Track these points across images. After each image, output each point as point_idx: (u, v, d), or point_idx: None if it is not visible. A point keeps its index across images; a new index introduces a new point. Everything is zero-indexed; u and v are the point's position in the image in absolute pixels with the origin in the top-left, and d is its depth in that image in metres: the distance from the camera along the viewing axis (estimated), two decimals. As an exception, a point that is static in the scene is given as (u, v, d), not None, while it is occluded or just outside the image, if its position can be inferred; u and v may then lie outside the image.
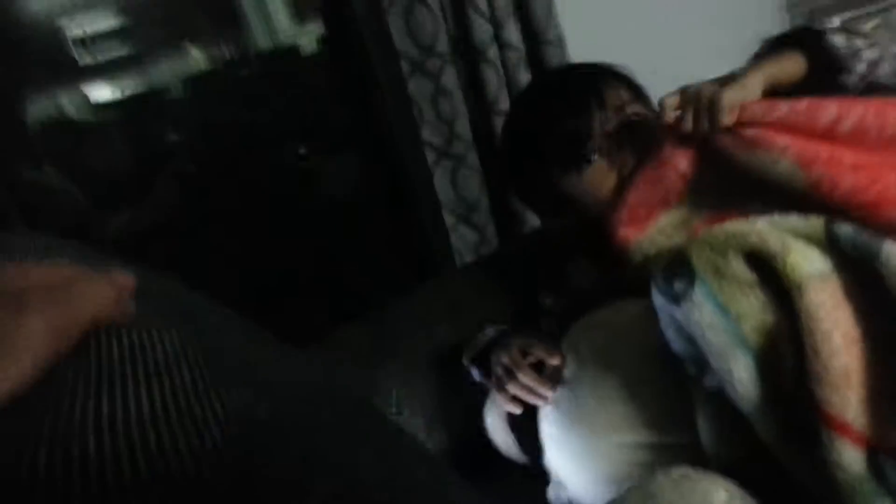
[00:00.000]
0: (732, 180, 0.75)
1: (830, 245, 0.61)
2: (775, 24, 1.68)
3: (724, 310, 0.61)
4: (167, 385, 0.26)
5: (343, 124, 1.65)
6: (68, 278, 0.32)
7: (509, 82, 1.27)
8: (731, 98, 0.72)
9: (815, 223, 0.63)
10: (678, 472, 0.61)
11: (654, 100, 0.84)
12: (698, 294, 0.62)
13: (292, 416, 0.30)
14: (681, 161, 0.78)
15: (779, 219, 0.65)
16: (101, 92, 1.52)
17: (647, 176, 0.80)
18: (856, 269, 0.59)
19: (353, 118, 1.57)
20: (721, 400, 0.63)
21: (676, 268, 0.64)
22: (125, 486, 0.19)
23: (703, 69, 0.84)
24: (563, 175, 0.87)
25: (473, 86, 1.28)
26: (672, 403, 0.70)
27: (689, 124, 0.75)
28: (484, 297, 1.04)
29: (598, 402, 0.74)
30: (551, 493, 0.81)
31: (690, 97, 0.75)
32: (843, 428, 0.55)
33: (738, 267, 0.62)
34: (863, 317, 0.58)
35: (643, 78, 0.93)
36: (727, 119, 0.72)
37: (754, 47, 0.86)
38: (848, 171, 0.66)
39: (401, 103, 1.29)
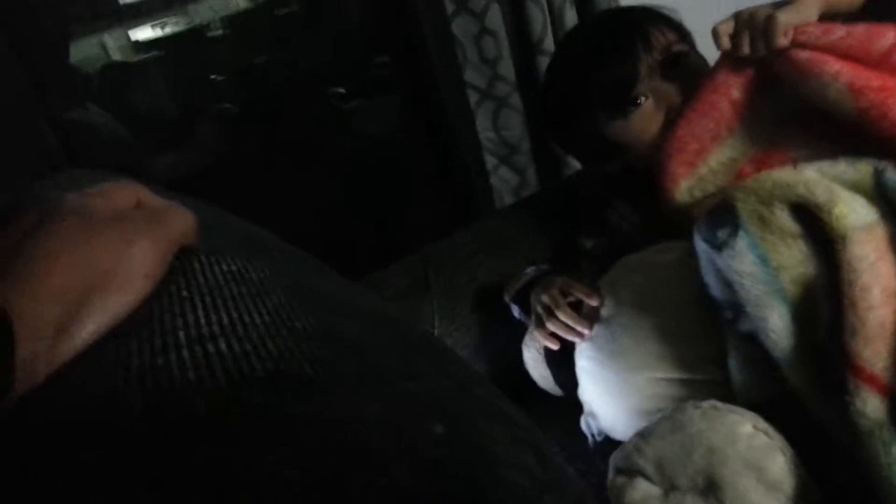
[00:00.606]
0: (784, 110, 0.75)
1: (878, 193, 0.62)
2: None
3: (765, 260, 0.63)
4: (269, 303, 0.30)
5: (384, 65, 1.65)
6: (157, 203, 0.36)
7: (554, 22, 1.26)
8: (786, 20, 0.71)
9: (864, 170, 0.63)
10: (707, 404, 0.64)
11: (705, 41, 0.83)
12: (741, 243, 0.64)
13: (365, 334, 0.34)
14: (734, 89, 0.77)
15: (827, 166, 0.65)
16: (143, 32, 1.54)
17: (699, 106, 0.80)
18: None
19: (394, 58, 1.57)
20: (753, 344, 0.65)
21: (721, 215, 0.66)
22: (251, 380, 0.23)
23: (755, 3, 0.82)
24: (609, 121, 0.88)
25: (518, 25, 1.27)
26: (705, 343, 0.73)
27: (745, 48, 0.74)
28: (525, 237, 1.07)
29: (633, 340, 0.77)
30: (584, 423, 0.86)
31: (745, 20, 0.74)
32: (871, 379, 0.57)
33: (783, 218, 0.63)
34: None
35: (694, 19, 0.92)
36: (782, 40, 0.71)
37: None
38: None
39: (443, 43, 1.29)
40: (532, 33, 1.25)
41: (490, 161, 1.32)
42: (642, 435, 0.67)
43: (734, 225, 0.64)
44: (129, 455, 0.20)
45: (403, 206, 1.63)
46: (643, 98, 0.85)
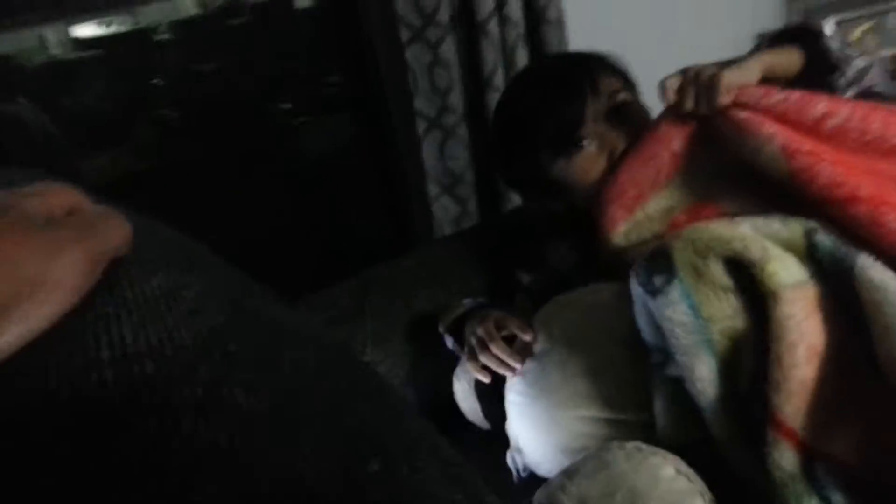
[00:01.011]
0: (720, 165, 0.78)
1: (809, 254, 0.65)
2: (774, 17, 1.70)
3: (696, 310, 0.65)
4: (203, 324, 0.28)
5: (334, 84, 1.64)
6: (93, 211, 0.34)
7: (506, 59, 1.29)
8: (729, 79, 0.75)
9: (797, 230, 0.66)
10: (632, 445, 0.65)
11: (650, 89, 0.87)
12: (675, 292, 0.66)
13: (304, 362, 0.32)
14: (675, 141, 0.81)
15: (762, 222, 0.68)
16: (86, 29, 1.47)
17: (641, 153, 0.82)
18: (831, 279, 0.63)
19: (344, 79, 1.57)
20: (679, 389, 0.67)
21: (658, 262, 0.67)
22: (179, 408, 0.22)
23: (701, 59, 0.84)
24: (553, 160, 0.90)
25: (470, 59, 1.29)
26: (632, 385, 0.74)
27: (688, 103, 0.78)
28: (462, 268, 1.07)
29: (563, 377, 0.78)
30: (509, 458, 0.86)
31: (691, 77, 0.78)
32: (788, 433, 0.59)
33: (717, 271, 0.65)
34: (831, 327, 0.62)
35: (640, 67, 0.95)
36: (724, 99, 0.75)
37: (753, 39, 0.89)
38: (826, 166, 0.69)
39: (396, 70, 1.30)
40: (484, 68, 1.28)
41: (433, 189, 1.33)
42: (567, 473, 0.67)
43: (670, 273, 0.66)
44: (40, 481, 0.18)
45: (344, 227, 1.61)
46: (586, 141, 0.87)
